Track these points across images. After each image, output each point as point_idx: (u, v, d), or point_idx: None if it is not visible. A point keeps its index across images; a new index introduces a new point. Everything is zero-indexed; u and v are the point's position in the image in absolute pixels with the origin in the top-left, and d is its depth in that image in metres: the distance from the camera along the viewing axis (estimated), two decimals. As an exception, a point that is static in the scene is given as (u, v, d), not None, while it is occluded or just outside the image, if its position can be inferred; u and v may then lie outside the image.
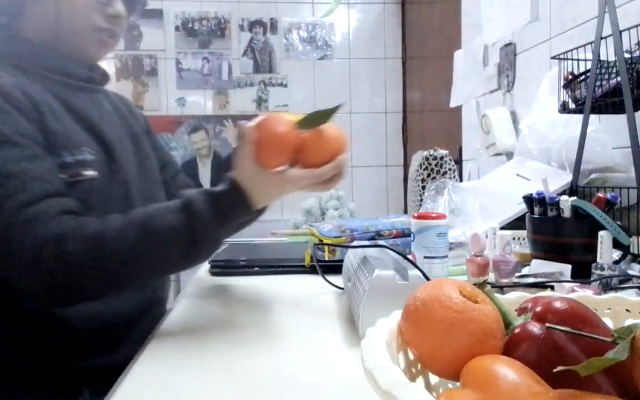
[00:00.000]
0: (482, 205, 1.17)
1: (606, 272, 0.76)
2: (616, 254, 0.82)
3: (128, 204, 0.87)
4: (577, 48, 1.10)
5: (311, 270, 0.96)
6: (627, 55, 0.96)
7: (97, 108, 0.91)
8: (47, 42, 0.85)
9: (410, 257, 0.76)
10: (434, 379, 0.39)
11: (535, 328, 0.34)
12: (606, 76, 1.02)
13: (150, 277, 0.71)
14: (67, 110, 0.83)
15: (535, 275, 0.84)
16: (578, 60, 1.10)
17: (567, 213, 0.88)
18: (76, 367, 0.80)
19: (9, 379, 0.80)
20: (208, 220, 0.69)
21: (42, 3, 0.84)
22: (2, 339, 0.80)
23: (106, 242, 0.66)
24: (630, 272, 0.83)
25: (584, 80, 1.08)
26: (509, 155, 1.68)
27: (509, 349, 0.34)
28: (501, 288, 0.78)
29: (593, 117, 1.13)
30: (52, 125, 0.77)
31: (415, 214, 0.87)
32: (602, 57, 1.04)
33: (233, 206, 0.71)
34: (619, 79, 0.97)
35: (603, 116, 1.22)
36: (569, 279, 0.80)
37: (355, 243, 0.90)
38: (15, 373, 0.80)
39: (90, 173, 0.80)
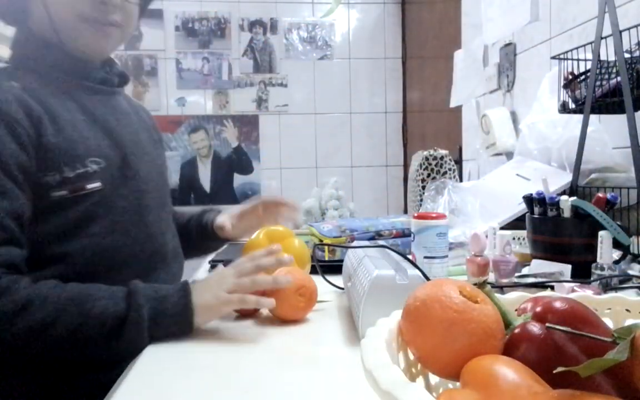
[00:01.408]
0: (482, 205, 1.17)
1: (606, 272, 0.76)
2: (616, 254, 0.82)
3: (141, 213, 0.84)
4: (577, 48, 1.10)
5: (311, 270, 0.96)
6: (627, 55, 0.96)
7: (114, 111, 0.88)
8: (51, 39, 0.81)
9: (410, 257, 0.75)
10: (434, 379, 0.39)
11: (535, 328, 0.34)
12: (606, 76, 1.02)
13: (65, 352, 0.67)
14: (82, 113, 0.81)
15: (535, 275, 0.84)
16: (578, 60, 1.10)
17: (567, 213, 0.88)
18: (82, 383, 0.77)
19: (18, 394, 0.77)
20: (142, 318, 0.65)
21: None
22: (11, 356, 0.78)
23: (32, 311, 0.64)
24: (630, 272, 0.83)
25: (584, 80, 1.08)
26: (509, 155, 1.68)
27: (509, 349, 0.34)
28: (501, 288, 0.78)
29: (593, 117, 1.13)
30: (51, 140, 0.74)
31: (415, 214, 0.87)
32: (602, 57, 1.04)
33: (173, 310, 0.68)
34: (619, 79, 0.97)
35: (603, 116, 1.22)
36: (569, 279, 0.80)
37: (355, 243, 0.90)
38: (23, 388, 0.77)
39: (95, 185, 0.77)
